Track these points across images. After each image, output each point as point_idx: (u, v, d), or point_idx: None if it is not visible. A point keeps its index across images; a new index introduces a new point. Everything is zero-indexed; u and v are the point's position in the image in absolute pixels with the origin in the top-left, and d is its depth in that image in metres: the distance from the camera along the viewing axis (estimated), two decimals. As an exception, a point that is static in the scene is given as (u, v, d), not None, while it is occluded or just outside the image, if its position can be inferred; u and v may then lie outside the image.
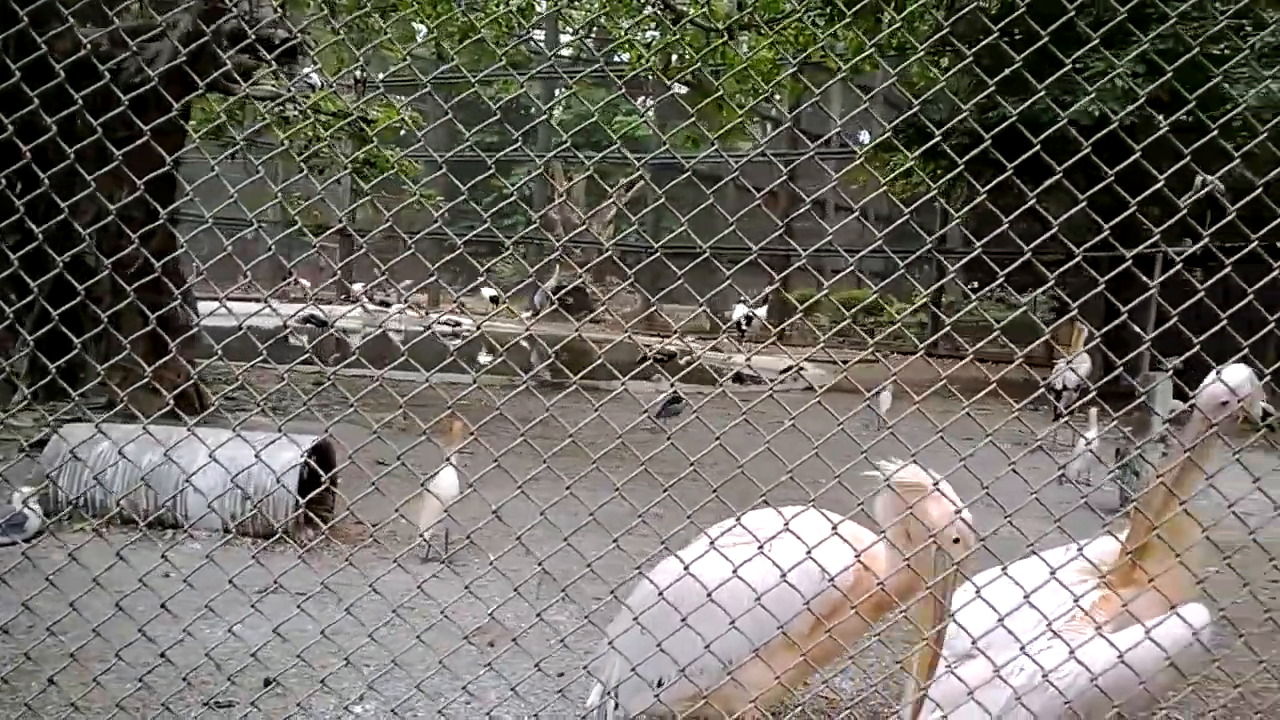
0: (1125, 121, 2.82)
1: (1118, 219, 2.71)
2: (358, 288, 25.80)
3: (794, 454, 2.80)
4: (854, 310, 3.08)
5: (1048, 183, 2.73)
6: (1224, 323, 2.69)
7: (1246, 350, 2.89)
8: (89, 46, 2.95)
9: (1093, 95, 2.78)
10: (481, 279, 3.25)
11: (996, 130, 2.73)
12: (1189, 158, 2.72)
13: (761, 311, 25.01)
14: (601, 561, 3.01)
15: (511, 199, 3.13)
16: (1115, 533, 3.33)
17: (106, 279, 3.48)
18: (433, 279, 3.51)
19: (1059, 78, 2.69)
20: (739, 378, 17.66)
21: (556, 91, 30.80)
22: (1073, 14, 2.64)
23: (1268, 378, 3.11)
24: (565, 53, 26.19)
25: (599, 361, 2.92)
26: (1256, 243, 2.71)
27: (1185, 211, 2.69)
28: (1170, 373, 3.02)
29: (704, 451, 2.84)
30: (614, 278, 31.11)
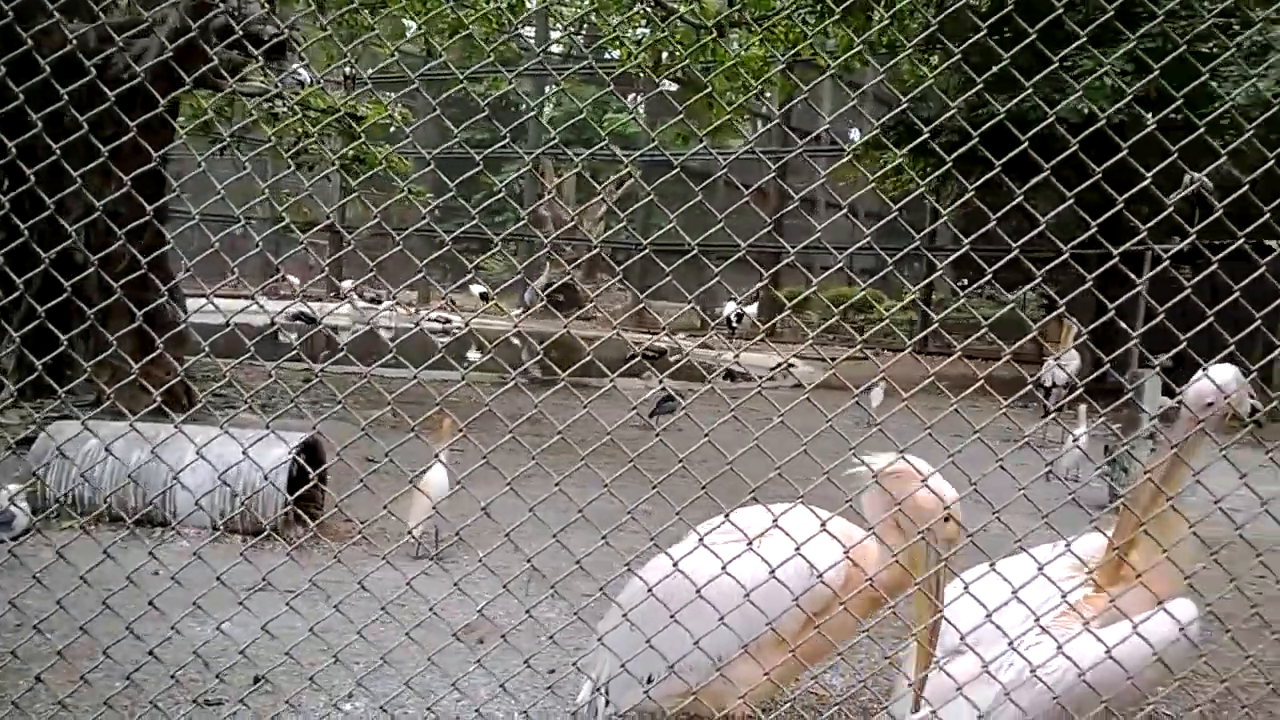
0: (1114, 120, 2.83)
1: (1104, 216, 2.71)
2: (347, 285, 25.75)
3: (784, 451, 2.81)
4: (843, 307, 3.08)
5: (1035, 180, 2.74)
6: (1210, 319, 2.70)
7: (1233, 347, 2.90)
8: (74, 42, 2.93)
9: (1080, 93, 2.79)
10: (469, 276, 3.24)
11: (984, 128, 2.74)
12: (1176, 155, 2.73)
13: (752, 309, 25.06)
14: (591, 558, 3.01)
15: (500, 196, 3.13)
16: (1103, 529, 3.34)
17: (94, 276, 3.47)
18: (420, 276, 3.50)
19: (1049, 76, 2.69)
20: (729, 375, 17.69)
21: (547, 88, 30.80)
22: (1061, 12, 2.65)
23: (1253, 374, 3.12)
24: (556, 50, 26.18)
25: (588, 358, 2.92)
26: (1243, 240, 2.72)
27: (1172, 209, 2.70)
28: (1157, 370, 3.03)
29: (692, 448, 2.84)
30: (604, 275, 31.12)
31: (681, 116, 3.19)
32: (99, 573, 3.01)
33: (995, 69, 2.64)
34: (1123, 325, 2.88)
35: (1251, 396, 3.30)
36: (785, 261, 19.65)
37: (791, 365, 19.39)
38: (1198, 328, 2.74)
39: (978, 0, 14.42)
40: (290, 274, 24.83)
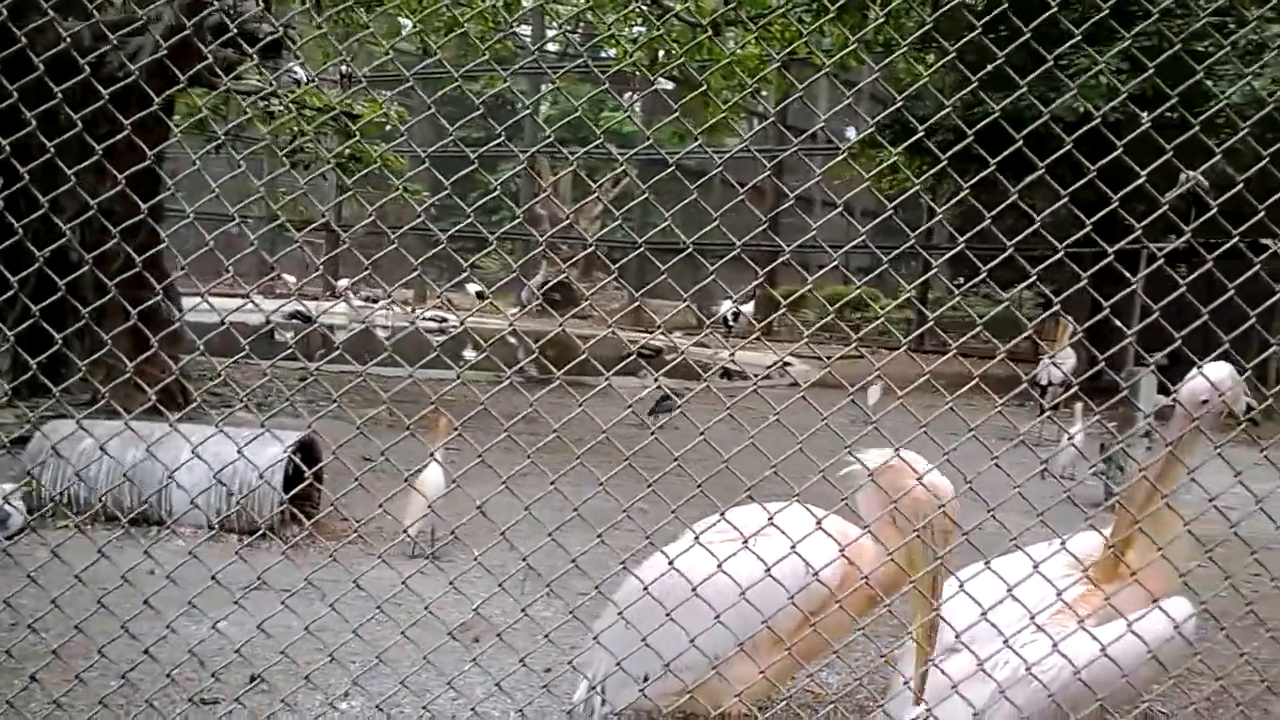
0: (1110, 118, 2.83)
1: (1098, 215, 2.72)
2: (343, 283, 25.72)
3: (780, 449, 2.81)
4: (838, 305, 3.09)
5: (1029, 179, 2.74)
6: (1205, 318, 2.70)
7: (1228, 345, 2.91)
8: (68, 40, 2.93)
9: (1074, 91, 2.79)
10: (464, 274, 3.24)
11: (979, 126, 2.74)
12: (1170, 154, 2.73)
13: (749, 307, 25.04)
14: (586, 557, 3.01)
15: (496, 194, 3.12)
16: (1098, 527, 3.34)
17: (89, 274, 3.47)
18: (415, 274, 3.50)
19: (1046, 75, 2.70)
20: (726, 373, 17.70)
21: (543, 87, 30.76)
22: (1055, 10, 2.65)
23: (1248, 372, 3.13)
24: (551, 48, 26.16)
25: (583, 357, 2.92)
26: (1238, 238, 2.72)
27: (1166, 207, 2.70)
28: (1151, 368, 3.04)
29: (687, 447, 2.84)
30: (601, 273, 31.11)
31: (677, 115, 3.18)
32: (94, 572, 3.00)
33: (990, 67, 2.64)
34: (1118, 324, 2.89)
35: (1246, 395, 3.31)
36: (781, 260, 19.66)
37: (788, 364, 19.40)
38: (1192, 326, 2.74)
39: (974, -1, 14.44)
40: (287, 273, 24.82)
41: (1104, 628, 2.99)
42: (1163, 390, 7.11)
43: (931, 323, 2.96)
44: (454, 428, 5.68)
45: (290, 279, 24.00)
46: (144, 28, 7.91)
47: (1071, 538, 3.35)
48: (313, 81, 11.24)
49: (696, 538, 3.06)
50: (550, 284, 27.47)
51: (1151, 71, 2.74)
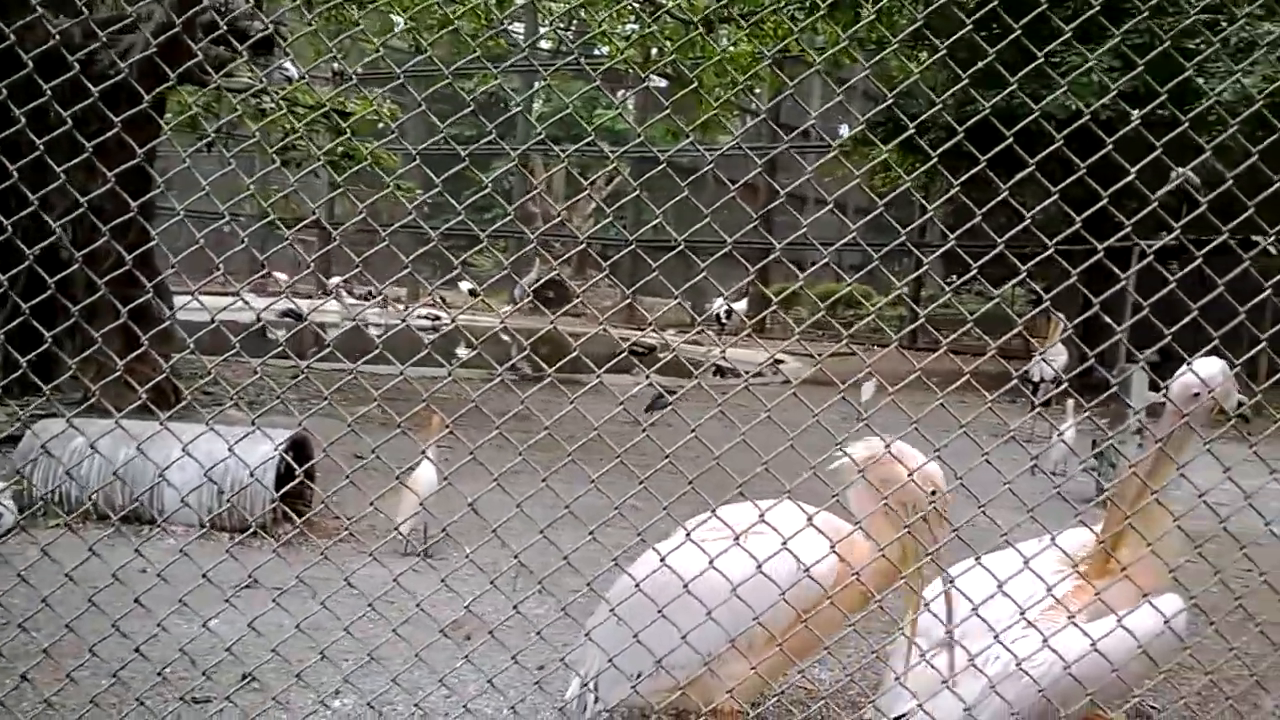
0: (1101, 116, 2.84)
1: (1088, 212, 2.72)
2: (334, 281, 25.65)
3: (773, 447, 2.81)
4: (828, 302, 3.09)
5: (1019, 176, 2.75)
6: (1194, 314, 2.71)
7: (1217, 341, 2.92)
8: (57, 37, 2.92)
9: (1065, 88, 2.79)
10: (455, 272, 3.24)
11: (969, 124, 2.75)
12: (1160, 151, 2.74)
13: (741, 305, 25.05)
14: (578, 554, 3.01)
15: (486, 192, 3.12)
16: (1089, 523, 3.35)
17: (80, 272, 3.45)
18: (406, 272, 3.48)
19: (1038, 73, 2.70)
20: (719, 371, 17.70)
21: (535, 84, 30.71)
22: (1046, 7, 2.66)
23: (1238, 368, 3.14)
24: (544, 45, 26.15)
25: (574, 354, 2.92)
26: (1227, 235, 2.73)
27: (1155, 204, 2.71)
28: (1141, 364, 3.04)
29: (679, 444, 2.84)
30: (594, 271, 31.09)
31: (667, 112, 3.18)
32: (85, 570, 3.00)
33: (980, 65, 2.65)
34: (1108, 320, 2.90)
35: (1237, 391, 3.32)
36: (772, 257, 19.67)
37: (780, 361, 19.40)
38: (1181, 323, 2.75)
39: (966, -4, 14.46)
40: (278, 271, 24.76)
41: (1094, 623, 3.00)
42: (1154, 387, 7.13)
43: (923, 319, 2.96)
44: (446, 425, 5.68)
45: (282, 277, 23.92)
46: (134, 25, 7.88)
47: (1062, 534, 3.36)
48: (304, 79, 11.22)
49: (688, 534, 3.06)
50: (543, 282, 27.44)
51: (1142, 69, 2.74)
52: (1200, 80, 3.03)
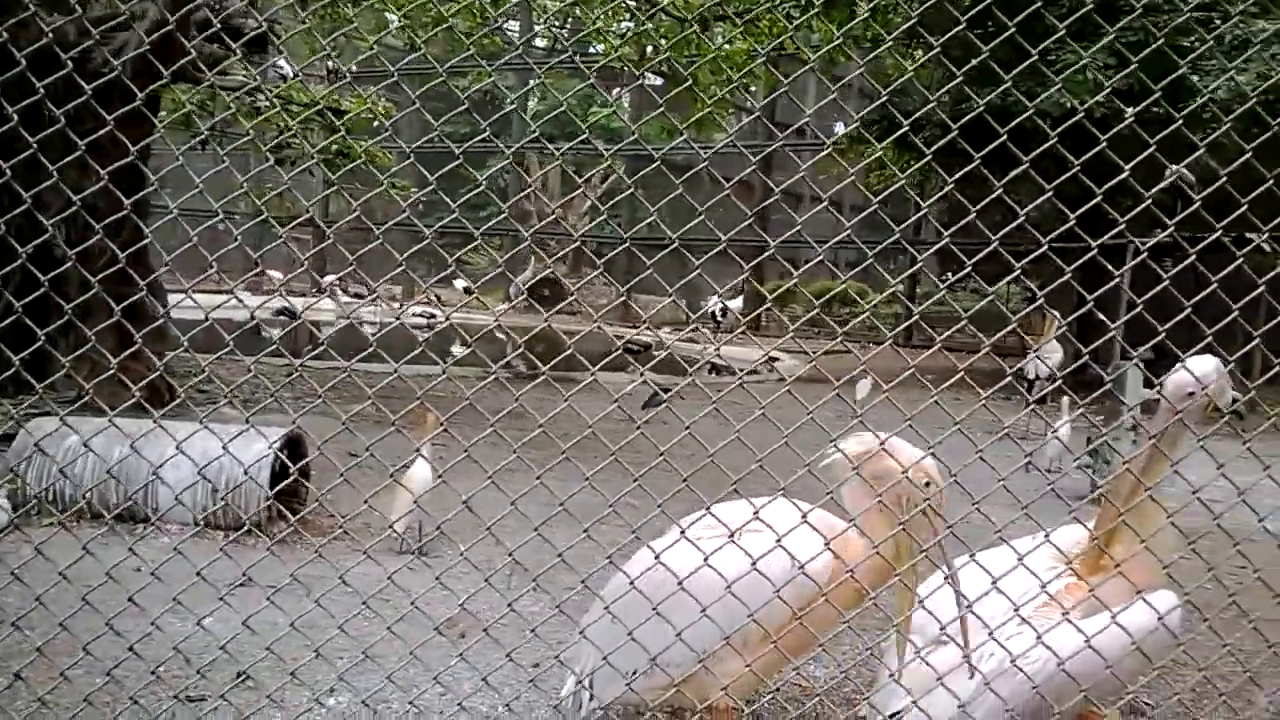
0: (1096, 113, 2.84)
1: (1081, 209, 2.73)
2: (329, 279, 25.61)
3: (767, 444, 2.81)
4: (823, 300, 3.10)
5: (1013, 174, 2.75)
6: (1188, 311, 2.71)
7: (1210, 339, 2.92)
8: (50, 35, 2.91)
9: (1059, 86, 2.80)
10: (449, 270, 3.23)
11: (963, 122, 2.75)
12: (1154, 148, 2.74)
13: (737, 303, 25.07)
14: (573, 551, 3.01)
15: (480, 189, 3.12)
16: (1083, 520, 3.36)
17: (74, 271, 3.45)
18: (400, 269, 3.50)
19: (1035, 71, 2.70)
20: (715, 369, 17.70)
21: (531, 82, 30.67)
22: (1041, 5, 2.66)
23: (1231, 365, 3.14)
24: (540, 43, 26.11)
25: (568, 352, 2.92)
26: (1220, 233, 2.73)
27: (1149, 201, 2.71)
28: (1135, 361, 3.05)
29: (673, 441, 2.84)
30: (590, 269, 31.07)
31: (661, 110, 3.18)
32: (79, 569, 2.99)
33: (973, 63, 2.65)
34: (1102, 318, 2.90)
35: (1231, 388, 3.32)
36: (766, 255, 19.66)
37: (776, 359, 19.42)
38: (1175, 319, 2.75)
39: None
40: (272, 269, 24.71)
41: (1088, 620, 3.01)
42: (1148, 384, 7.14)
43: (917, 317, 2.96)
44: (440, 423, 5.68)
45: (276, 275, 23.88)
46: (128, 23, 7.87)
47: (1056, 531, 3.37)
48: (298, 77, 11.20)
49: (683, 532, 3.07)
50: (538, 280, 27.43)
51: (1136, 66, 2.75)
52: (1194, 78, 3.04)
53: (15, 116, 2.79)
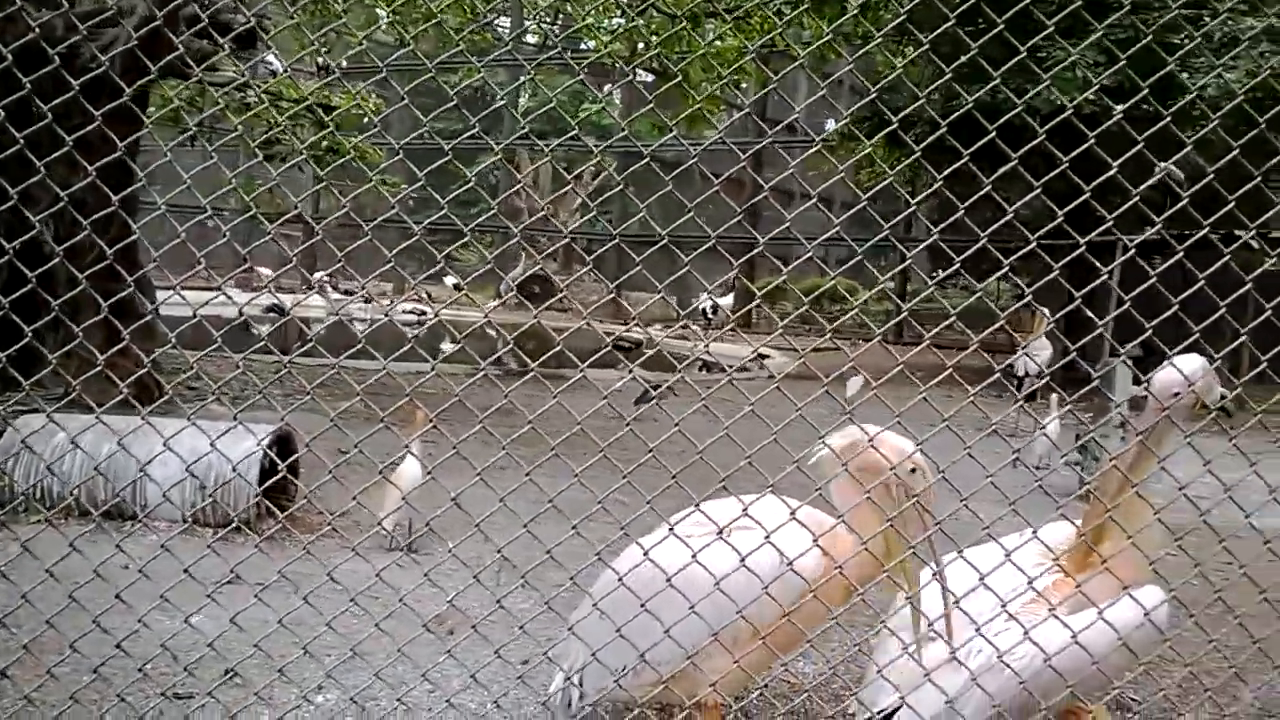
0: (1085, 110, 2.85)
1: (1070, 206, 2.73)
2: (318, 276, 25.54)
3: (757, 441, 2.82)
4: (812, 297, 3.10)
5: (1002, 170, 2.76)
6: (1175, 308, 2.72)
7: (1198, 335, 2.93)
8: (37, 30, 2.89)
9: (1047, 83, 2.81)
10: (439, 266, 3.23)
11: (952, 118, 2.75)
12: (1143, 145, 2.75)
13: (728, 300, 25.07)
14: (562, 548, 3.01)
15: (471, 186, 3.11)
16: (1071, 516, 3.37)
17: (61, 267, 3.43)
18: (389, 266, 3.48)
19: (1024, 68, 2.71)
20: (705, 366, 17.71)
21: (521, 79, 30.63)
22: (1030, 3, 2.66)
23: (1218, 362, 3.15)
24: (530, 39, 26.05)
25: (558, 349, 2.92)
26: (1208, 229, 2.74)
27: (1138, 198, 2.72)
28: (1123, 358, 3.06)
29: (662, 438, 2.84)
30: (580, 266, 31.06)
31: (651, 106, 3.18)
32: (66, 566, 2.98)
33: (962, 59, 2.65)
34: (1090, 315, 2.91)
35: (1219, 385, 3.33)
36: (755, 251, 19.68)
37: (766, 356, 19.43)
38: (1162, 316, 2.76)
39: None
40: (261, 265, 24.63)
41: (1075, 616, 3.02)
42: (1136, 381, 7.16)
43: (905, 314, 2.97)
44: (430, 420, 5.67)
45: (265, 271, 23.82)
46: (116, 18, 7.83)
47: (1044, 527, 3.38)
48: (287, 72, 11.16)
49: (671, 529, 3.06)
50: (528, 276, 27.41)
51: (1125, 63, 2.75)
52: (1183, 75, 3.05)
53: (3, 112, 2.78)
